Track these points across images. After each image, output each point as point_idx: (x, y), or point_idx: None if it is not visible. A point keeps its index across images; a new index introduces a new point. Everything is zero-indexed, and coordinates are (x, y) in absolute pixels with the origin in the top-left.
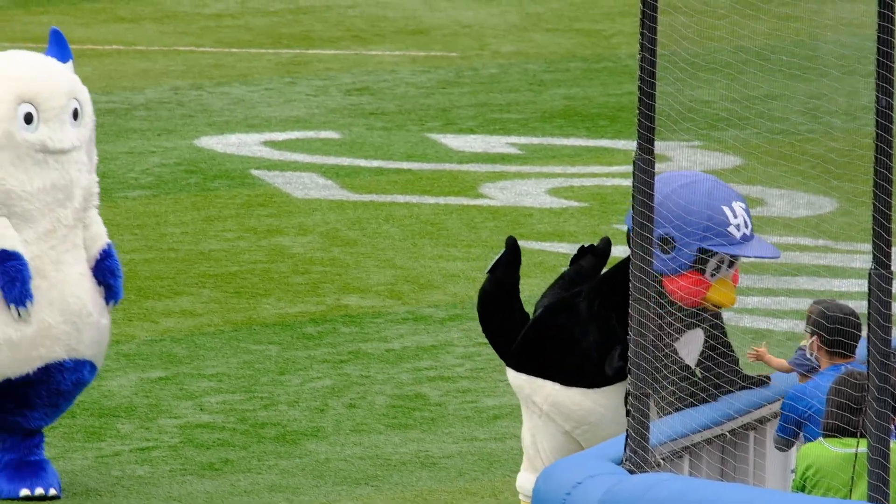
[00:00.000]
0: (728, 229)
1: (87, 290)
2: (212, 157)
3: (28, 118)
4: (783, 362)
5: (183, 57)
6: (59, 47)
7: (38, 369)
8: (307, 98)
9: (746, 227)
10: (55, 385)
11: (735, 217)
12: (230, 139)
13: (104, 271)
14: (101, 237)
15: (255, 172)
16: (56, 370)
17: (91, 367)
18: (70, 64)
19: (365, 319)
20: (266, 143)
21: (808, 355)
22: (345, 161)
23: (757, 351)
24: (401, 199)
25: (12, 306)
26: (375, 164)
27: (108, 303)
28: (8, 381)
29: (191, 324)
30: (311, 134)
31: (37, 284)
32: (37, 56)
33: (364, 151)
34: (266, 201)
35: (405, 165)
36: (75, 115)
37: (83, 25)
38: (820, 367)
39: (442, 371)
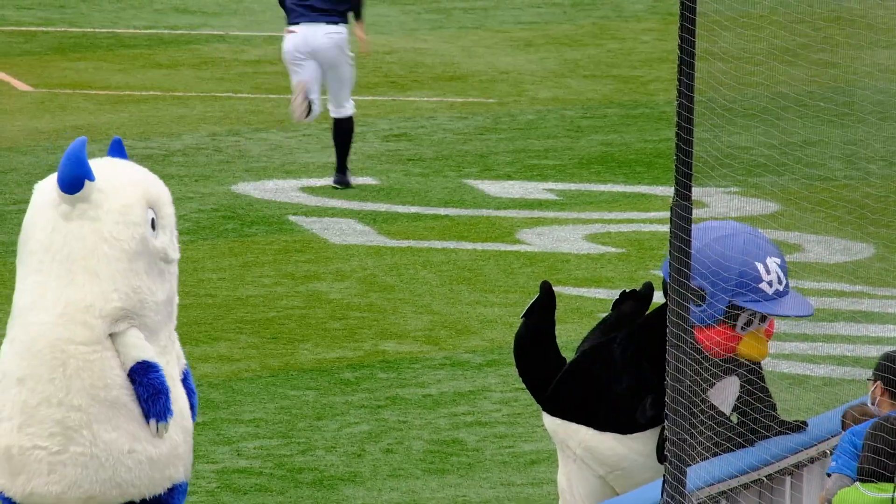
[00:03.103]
0: (760, 286)
1: (188, 409)
2: (249, 203)
3: (153, 224)
4: None
5: (220, 103)
6: (121, 155)
7: (167, 490)
8: None
9: (780, 283)
10: None
11: (768, 273)
12: (267, 185)
13: (188, 391)
14: (182, 356)
15: (292, 218)
16: (178, 492)
17: (185, 488)
18: None
19: (402, 365)
20: (303, 189)
21: (871, 401)
22: (382, 207)
23: None
24: (438, 244)
25: (153, 421)
26: (413, 209)
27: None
28: (143, 502)
29: (228, 369)
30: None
31: None
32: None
33: (401, 197)
34: (303, 247)
35: (442, 211)
36: None
37: (121, 71)
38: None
39: (479, 416)
